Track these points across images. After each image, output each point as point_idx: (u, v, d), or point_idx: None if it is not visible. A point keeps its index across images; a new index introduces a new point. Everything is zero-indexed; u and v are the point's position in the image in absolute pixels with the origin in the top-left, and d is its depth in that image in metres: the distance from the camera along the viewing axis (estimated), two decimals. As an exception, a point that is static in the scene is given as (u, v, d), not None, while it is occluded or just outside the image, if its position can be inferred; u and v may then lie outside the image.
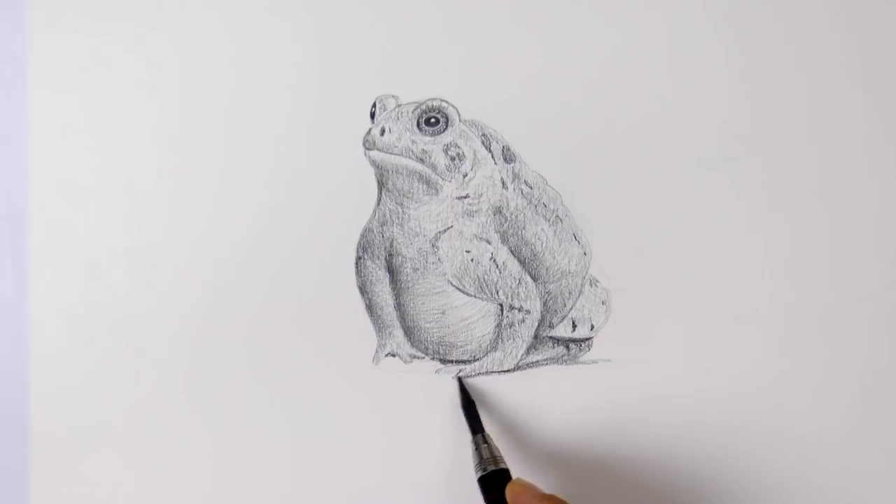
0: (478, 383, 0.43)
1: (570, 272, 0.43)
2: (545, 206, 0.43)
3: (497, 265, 0.43)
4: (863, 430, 0.42)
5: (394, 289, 0.43)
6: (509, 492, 0.36)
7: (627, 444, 0.42)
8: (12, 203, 0.43)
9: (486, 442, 0.40)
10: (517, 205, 0.43)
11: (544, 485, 0.38)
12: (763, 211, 0.43)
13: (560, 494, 0.36)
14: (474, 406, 0.41)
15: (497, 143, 0.43)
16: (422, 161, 0.42)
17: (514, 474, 0.38)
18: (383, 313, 0.43)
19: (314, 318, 0.43)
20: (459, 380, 0.43)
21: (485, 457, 0.39)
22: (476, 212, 0.43)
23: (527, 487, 0.36)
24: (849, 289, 0.43)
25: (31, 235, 0.43)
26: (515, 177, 0.43)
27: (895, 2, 0.43)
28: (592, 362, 0.43)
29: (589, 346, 0.43)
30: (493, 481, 0.38)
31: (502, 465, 0.38)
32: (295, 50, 0.43)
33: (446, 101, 0.43)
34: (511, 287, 0.43)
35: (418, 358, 0.43)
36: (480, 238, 0.43)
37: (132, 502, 0.43)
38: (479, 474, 0.38)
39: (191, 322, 0.43)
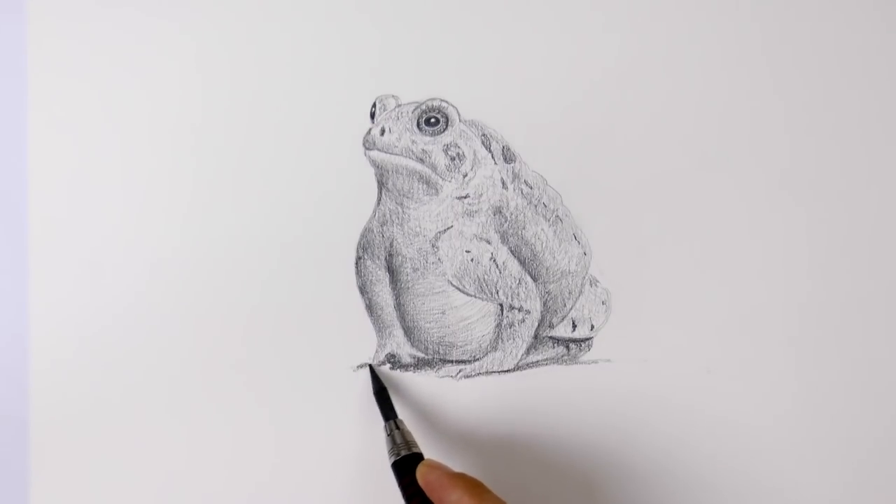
0: (389, 371, 0.43)
1: (570, 272, 0.43)
2: (545, 206, 0.43)
3: (497, 265, 0.43)
4: (863, 430, 0.42)
5: (394, 289, 0.43)
6: (419, 473, 0.37)
7: (627, 443, 0.42)
8: (12, 203, 0.43)
9: (398, 428, 0.40)
10: (517, 205, 0.43)
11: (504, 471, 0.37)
12: (763, 211, 0.43)
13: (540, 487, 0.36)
14: (386, 392, 0.42)
15: (497, 143, 0.43)
16: (422, 161, 0.42)
17: (430, 458, 0.38)
18: (383, 313, 0.43)
19: (314, 318, 0.43)
20: (370, 367, 0.43)
21: (398, 442, 0.39)
22: (476, 212, 0.43)
23: (435, 468, 0.37)
24: (849, 288, 0.43)
25: (31, 235, 0.43)
26: (515, 177, 0.43)
27: (895, 2, 0.43)
28: (592, 362, 0.43)
29: (589, 346, 0.43)
30: (407, 466, 0.38)
31: (415, 450, 0.39)
32: (294, 50, 0.43)
33: (446, 101, 0.43)
34: (511, 287, 0.43)
35: (420, 358, 0.43)
36: (480, 238, 0.43)
37: (131, 502, 0.43)
38: (393, 459, 0.39)
39: (190, 322, 0.43)
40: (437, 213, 0.43)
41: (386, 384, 0.42)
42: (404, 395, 0.43)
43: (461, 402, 0.43)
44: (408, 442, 0.39)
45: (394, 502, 0.42)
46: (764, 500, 0.42)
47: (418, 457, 0.38)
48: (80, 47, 0.44)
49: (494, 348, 0.43)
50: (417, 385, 0.43)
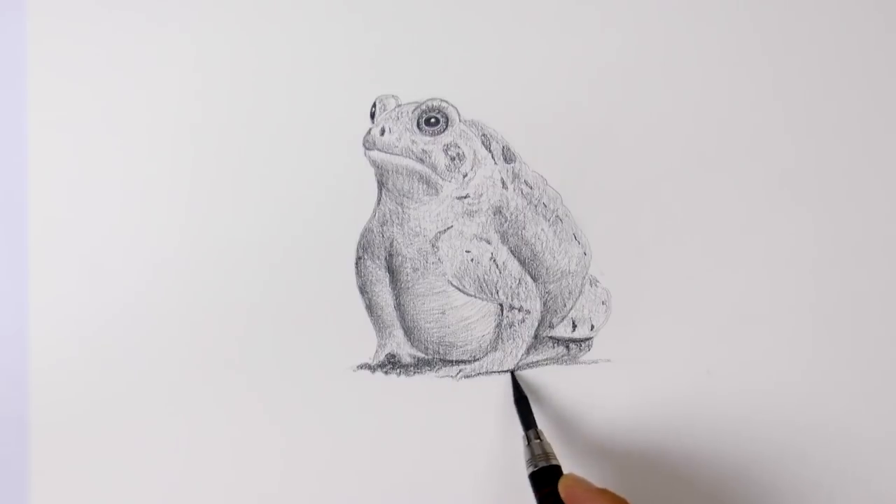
0: (528, 378, 0.43)
1: (570, 272, 0.43)
2: (545, 206, 0.43)
3: (497, 265, 0.43)
4: (863, 430, 0.42)
5: (394, 289, 0.43)
6: (562, 486, 0.36)
7: (627, 443, 0.42)
8: (12, 203, 0.43)
9: (538, 438, 0.39)
10: (517, 205, 0.43)
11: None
12: (763, 211, 0.43)
13: (613, 489, 0.36)
14: (527, 401, 0.41)
15: (497, 143, 0.43)
16: (422, 161, 0.42)
17: (564, 469, 0.38)
18: (383, 313, 0.43)
19: (314, 318, 0.43)
20: (512, 374, 0.43)
21: (536, 453, 0.39)
22: (476, 212, 0.43)
23: (580, 482, 0.36)
24: (849, 288, 0.43)
25: (31, 235, 0.43)
26: (515, 177, 0.43)
27: (895, 2, 0.43)
28: (592, 362, 0.43)
29: (589, 346, 0.43)
30: (545, 477, 0.37)
31: (554, 462, 0.38)
32: (294, 50, 0.43)
33: (446, 101, 0.43)
34: (511, 287, 0.43)
35: (420, 358, 0.43)
36: (480, 238, 0.43)
37: (131, 501, 0.43)
38: (531, 470, 0.38)
39: (190, 322, 0.43)
40: (437, 213, 0.43)
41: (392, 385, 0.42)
42: (408, 398, 0.43)
43: (464, 402, 0.43)
44: (547, 453, 0.38)
45: (390, 500, 0.42)
46: (764, 500, 0.42)
47: (557, 469, 0.38)
48: (81, 47, 0.44)
49: (494, 348, 0.43)
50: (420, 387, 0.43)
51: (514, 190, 0.43)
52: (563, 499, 0.36)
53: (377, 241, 0.43)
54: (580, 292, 0.43)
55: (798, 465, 0.42)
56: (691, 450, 0.42)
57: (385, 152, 0.42)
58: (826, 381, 0.43)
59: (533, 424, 0.40)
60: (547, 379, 0.43)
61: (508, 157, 0.43)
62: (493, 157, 0.43)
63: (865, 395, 0.42)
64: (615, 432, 0.42)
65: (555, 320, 0.43)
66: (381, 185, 0.43)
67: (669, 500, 0.42)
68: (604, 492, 0.35)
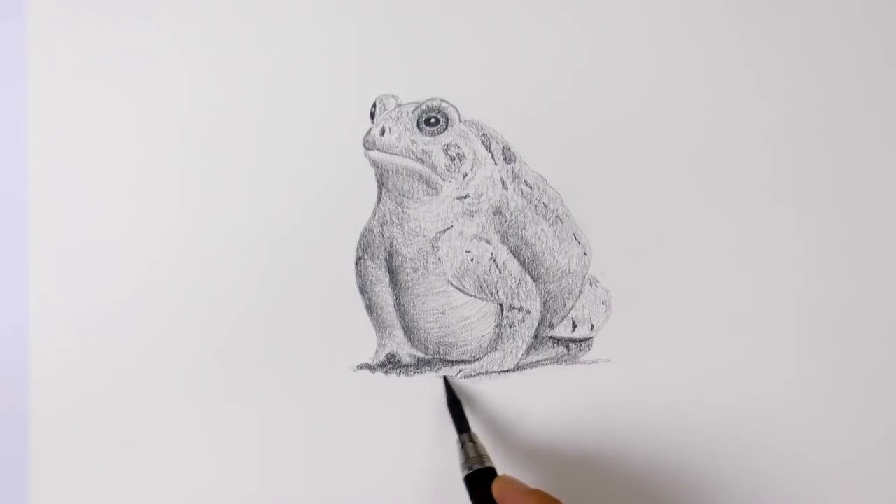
0: (463, 382, 0.43)
1: (570, 272, 0.43)
2: (545, 206, 0.43)
3: (497, 265, 0.43)
4: (863, 431, 0.42)
5: (394, 289, 0.43)
6: (495, 487, 0.36)
7: (627, 443, 0.42)
8: (12, 203, 0.43)
9: (471, 441, 0.40)
10: (517, 205, 0.43)
11: (537, 483, 0.38)
12: (763, 211, 0.43)
13: (556, 493, 0.36)
14: (460, 405, 0.41)
15: (497, 143, 0.43)
16: (422, 161, 0.42)
17: (503, 472, 0.38)
18: (383, 313, 0.43)
19: (314, 318, 0.43)
20: (445, 379, 0.43)
21: (471, 455, 0.39)
22: (476, 212, 0.43)
23: (512, 483, 0.36)
24: (849, 289, 0.43)
25: (31, 235, 0.43)
26: (515, 177, 0.43)
27: (895, 2, 0.43)
28: (592, 362, 0.43)
29: (589, 346, 0.43)
30: (479, 480, 0.38)
31: (488, 464, 0.38)
32: (295, 51, 0.43)
33: (446, 101, 0.43)
34: (511, 287, 0.43)
35: (420, 358, 0.43)
36: (480, 238, 0.43)
37: (131, 499, 0.43)
38: (465, 473, 0.38)
39: (190, 322, 0.43)
40: (437, 213, 0.43)
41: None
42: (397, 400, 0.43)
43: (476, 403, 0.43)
44: (481, 456, 0.39)
45: (390, 500, 0.42)
46: (764, 500, 0.42)
47: (491, 471, 0.38)
48: (81, 50, 0.44)
49: (494, 348, 0.43)
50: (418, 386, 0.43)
51: (514, 190, 0.43)
52: (496, 499, 0.36)
53: (377, 241, 0.43)
54: (580, 292, 0.43)
55: (797, 465, 0.42)
56: (691, 449, 0.42)
57: (385, 152, 0.42)
58: (825, 382, 0.42)
59: (467, 428, 0.40)
60: (547, 379, 0.43)
61: (508, 157, 0.43)
62: (493, 157, 0.43)
63: (866, 395, 0.42)
64: (613, 432, 0.42)
65: (555, 320, 0.43)
66: (381, 185, 0.43)
67: (668, 500, 0.42)
68: (535, 492, 0.35)
